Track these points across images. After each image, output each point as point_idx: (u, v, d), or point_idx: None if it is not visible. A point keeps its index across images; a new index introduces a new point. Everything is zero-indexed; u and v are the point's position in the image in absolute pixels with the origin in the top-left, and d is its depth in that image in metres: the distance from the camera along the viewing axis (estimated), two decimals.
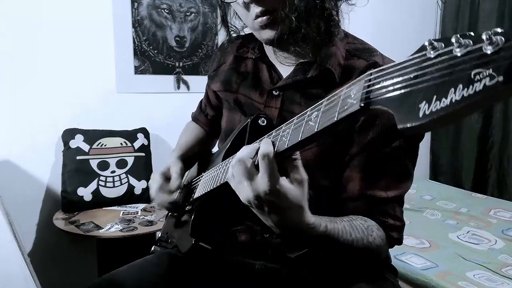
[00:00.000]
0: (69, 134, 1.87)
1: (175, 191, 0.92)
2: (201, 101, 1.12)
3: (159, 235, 1.06)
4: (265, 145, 0.53)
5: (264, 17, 0.71)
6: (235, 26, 0.87)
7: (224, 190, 0.74)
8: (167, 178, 0.92)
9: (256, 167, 0.55)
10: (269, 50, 0.84)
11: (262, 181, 0.53)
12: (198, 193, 0.86)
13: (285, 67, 0.81)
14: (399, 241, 0.77)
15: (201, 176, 0.90)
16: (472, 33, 0.32)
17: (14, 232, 1.18)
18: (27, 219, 1.88)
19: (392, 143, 0.72)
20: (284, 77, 0.81)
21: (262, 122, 0.77)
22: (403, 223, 0.77)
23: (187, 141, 1.06)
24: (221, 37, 2.24)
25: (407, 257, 1.58)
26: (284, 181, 0.54)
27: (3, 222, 1.19)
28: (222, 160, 0.78)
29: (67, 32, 1.89)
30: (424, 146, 3.03)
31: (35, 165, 1.90)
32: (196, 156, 1.04)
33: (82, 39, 1.93)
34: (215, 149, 0.99)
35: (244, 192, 0.55)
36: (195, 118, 1.12)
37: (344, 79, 0.74)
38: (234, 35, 0.90)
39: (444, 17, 2.95)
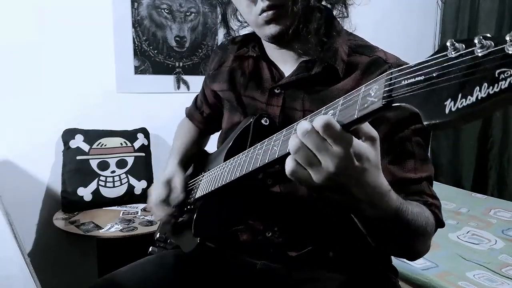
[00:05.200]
0: (69, 134, 1.87)
1: (176, 204, 0.91)
2: (196, 97, 1.11)
3: (157, 236, 1.06)
4: (320, 118, 0.47)
5: (270, 12, 0.70)
6: (232, 27, 0.87)
7: (228, 190, 0.75)
8: (169, 188, 0.91)
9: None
10: (269, 48, 0.84)
11: (336, 148, 0.47)
12: (200, 193, 0.86)
13: (286, 65, 0.81)
14: (443, 223, 0.72)
15: (202, 176, 0.90)
16: (489, 35, 0.34)
17: (14, 232, 1.18)
18: (27, 219, 1.88)
19: (409, 125, 0.70)
20: (285, 75, 0.81)
21: (265, 122, 0.77)
22: (441, 204, 0.73)
23: (184, 145, 1.05)
24: (221, 37, 2.24)
25: None
26: (357, 141, 0.48)
27: (3, 222, 1.19)
28: (225, 160, 0.78)
29: (67, 32, 1.89)
30: None
31: (35, 165, 1.89)
32: (193, 158, 1.04)
33: (82, 39, 1.93)
34: (212, 149, 0.99)
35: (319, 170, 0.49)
36: (190, 115, 1.12)
37: (347, 75, 0.75)
38: (232, 35, 0.89)
39: (444, 17, 2.95)
